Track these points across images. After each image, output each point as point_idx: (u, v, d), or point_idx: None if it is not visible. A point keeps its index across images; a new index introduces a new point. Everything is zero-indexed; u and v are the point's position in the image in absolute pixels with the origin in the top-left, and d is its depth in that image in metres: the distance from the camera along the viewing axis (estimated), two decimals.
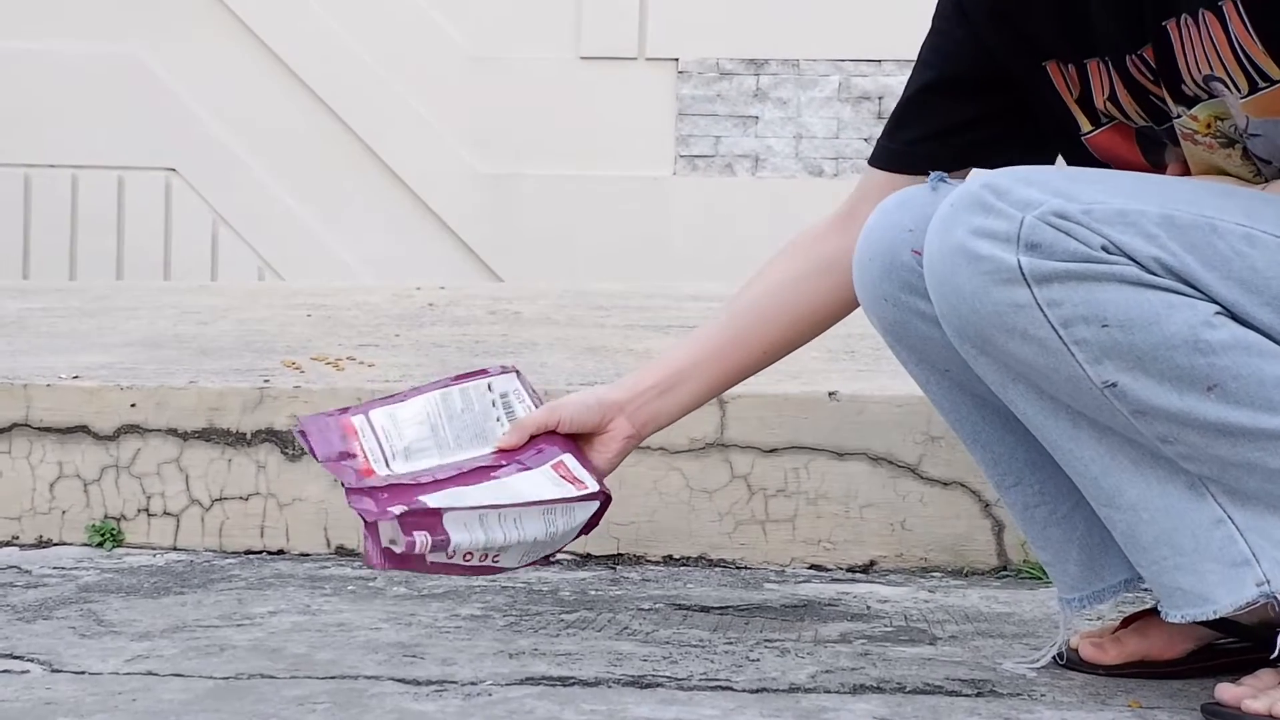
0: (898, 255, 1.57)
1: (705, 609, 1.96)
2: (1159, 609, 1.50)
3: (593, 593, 2.06)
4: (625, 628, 1.84)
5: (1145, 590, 1.63)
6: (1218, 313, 1.37)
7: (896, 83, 6.39)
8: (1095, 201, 1.37)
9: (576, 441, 1.75)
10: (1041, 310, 1.38)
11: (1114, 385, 1.39)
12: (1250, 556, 1.41)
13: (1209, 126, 1.50)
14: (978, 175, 1.42)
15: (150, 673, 1.60)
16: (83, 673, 1.60)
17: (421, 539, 1.58)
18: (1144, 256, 1.36)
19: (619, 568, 2.23)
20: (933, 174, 1.59)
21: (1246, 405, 1.37)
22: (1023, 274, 1.37)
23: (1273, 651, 1.46)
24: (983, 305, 1.40)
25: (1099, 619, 1.89)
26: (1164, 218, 1.37)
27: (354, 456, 1.68)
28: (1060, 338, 1.38)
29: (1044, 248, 1.36)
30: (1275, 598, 1.41)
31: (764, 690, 1.57)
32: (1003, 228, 1.38)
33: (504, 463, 1.70)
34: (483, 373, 1.78)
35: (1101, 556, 1.61)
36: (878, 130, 6.43)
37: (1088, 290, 1.36)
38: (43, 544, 2.32)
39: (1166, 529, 1.44)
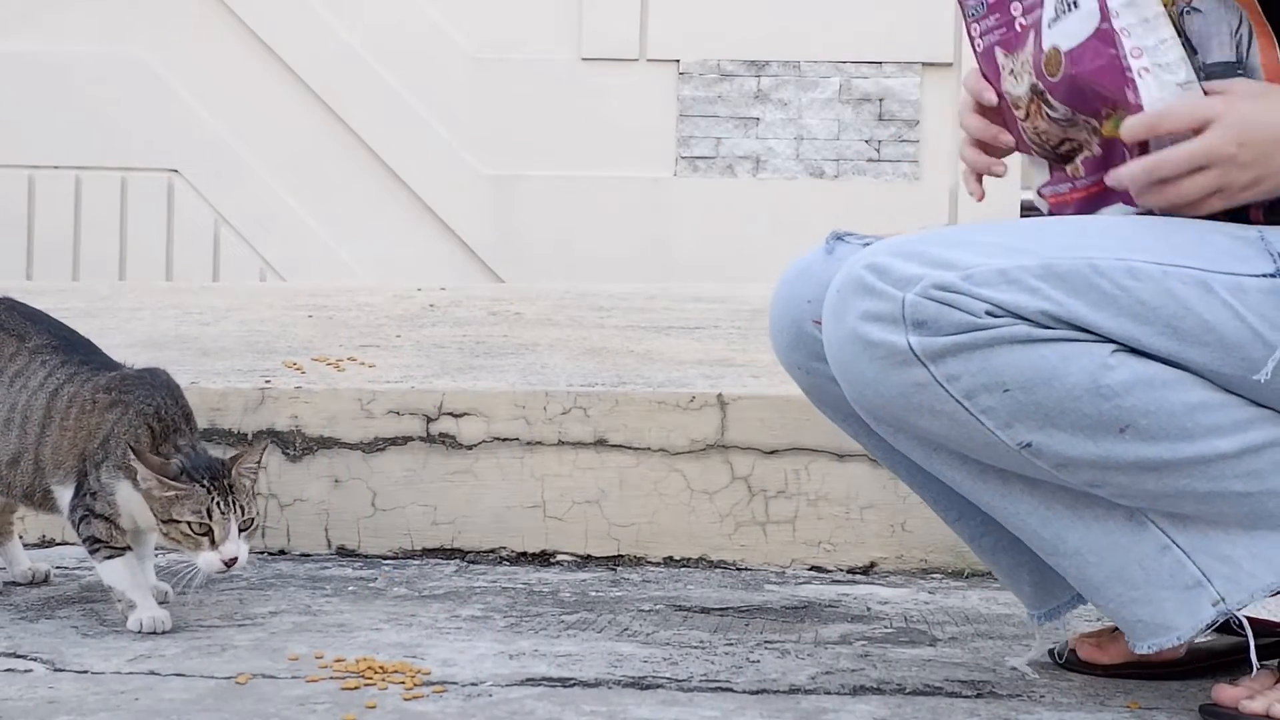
0: (802, 326, 1.58)
1: (705, 610, 1.97)
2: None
3: (593, 594, 2.06)
4: (625, 629, 1.85)
5: None
6: (1115, 351, 1.36)
7: (898, 84, 6.39)
8: (973, 265, 1.36)
9: None
10: (942, 387, 1.38)
11: (1029, 445, 1.38)
12: (1201, 578, 1.42)
13: None
14: (861, 254, 1.42)
15: (152, 672, 1.61)
16: (85, 672, 1.61)
17: None
18: (1030, 312, 1.35)
19: (619, 569, 2.24)
20: (829, 234, 1.60)
21: (1162, 439, 1.37)
22: (915, 354, 1.37)
23: (1254, 657, 1.47)
24: (886, 389, 1.40)
25: (1098, 620, 1.89)
26: (1044, 268, 1.36)
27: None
28: (967, 410, 1.38)
29: (930, 324, 1.36)
30: (1233, 613, 1.42)
31: (764, 691, 1.57)
32: (888, 309, 1.37)
33: None
34: None
35: (1053, 574, 1.61)
36: (878, 132, 6.45)
37: (982, 359, 1.36)
38: (46, 544, 2.32)
39: (1115, 566, 1.44)
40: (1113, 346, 1.36)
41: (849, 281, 1.40)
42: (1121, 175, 1.42)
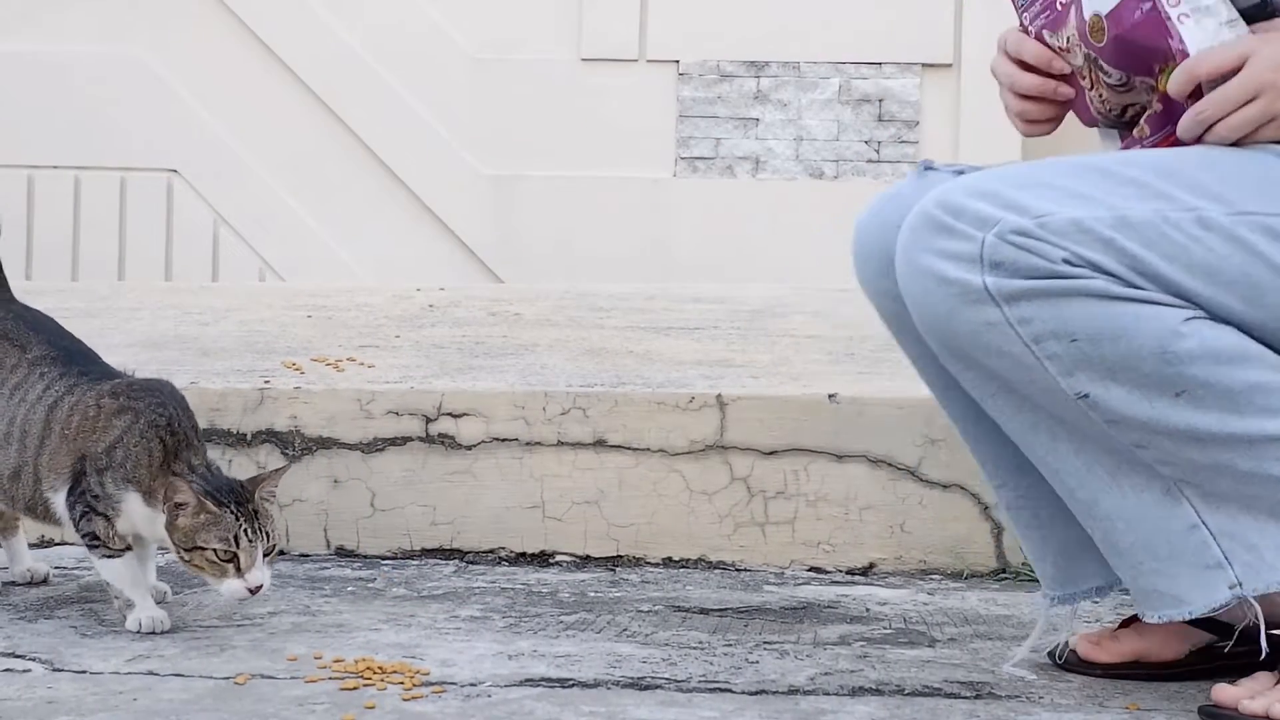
0: (891, 251, 1.58)
1: (704, 611, 1.97)
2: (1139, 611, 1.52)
3: (592, 594, 2.06)
4: (624, 629, 1.85)
5: (1123, 593, 1.65)
6: (1188, 319, 1.38)
7: (897, 85, 6.39)
8: (1047, 213, 1.38)
9: None
10: (1013, 328, 1.41)
11: (1087, 396, 1.41)
12: (1223, 560, 1.44)
13: None
14: (933, 192, 1.43)
15: (151, 672, 1.61)
16: (84, 672, 1.60)
17: None
18: (1107, 264, 1.37)
19: (618, 569, 2.24)
20: (920, 161, 1.61)
21: (1215, 410, 1.39)
22: (990, 294, 1.40)
23: (1260, 652, 1.47)
24: (958, 325, 1.43)
25: (1097, 621, 1.90)
26: (1117, 219, 1.38)
27: None
28: (1033, 353, 1.41)
29: (1007, 266, 1.38)
30: (1247, 599, 1.43)
31: (763, 692, 1.57)
32: (965, 249, 1.40)
33: None
34: None
35: (1078, 561, 1.63)
36: (878, 132, 6.45)
37: (1055, 306, 1.39)
38: (44, 544, 2.32)
39: (1143, 536, 1.47)
40: (1186, 314, 1.38)
41: (922, 218, 1.43)
42: (1179, 128, 1.45)
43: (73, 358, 1.87)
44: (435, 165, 6.52)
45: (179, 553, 1.71)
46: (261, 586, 1.71)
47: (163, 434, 1.75)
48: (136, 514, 1.75)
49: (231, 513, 1.69)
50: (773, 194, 6.43)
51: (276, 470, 1.79)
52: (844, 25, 6.39)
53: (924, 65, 6.38)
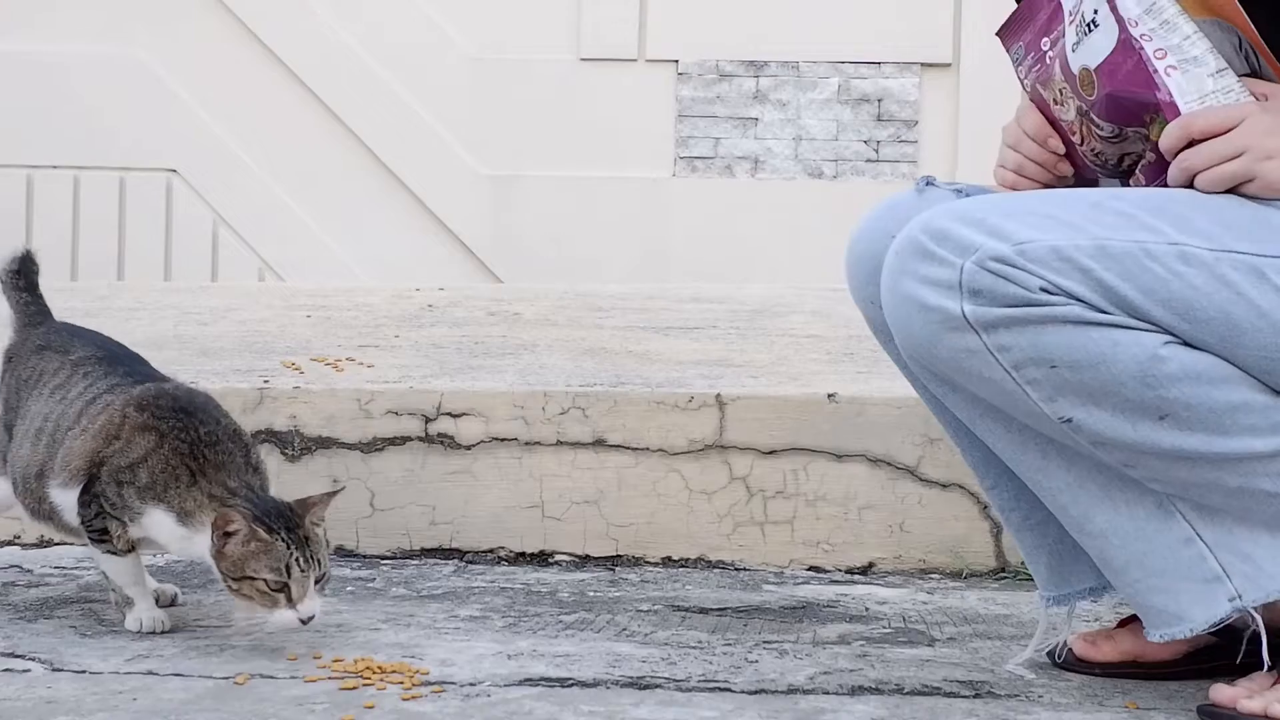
0: (882, 260, 1.59)
1: (704, 610, 1.97)
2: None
3: (591, 594, 2.06)
4: (624, 629, 1.85)
5: (1114, 598, 1.65)
6: (1167, 343, 1.38)
7: (896, 85, 6.39)
8: (1028, 240, 1.38)
9: None
10: (992, 355, 1.41)
11: (1070, 420, 1.41)
12: (1221, 573, 1.44)
13: None
14: (922, 216, 1.44)
15: (150, 672, 1.61)
16: (83, 672, 1.61)
17: None
18: (1083, 294, 1.37)
19: (618, 569, 2.24)
20: (920, 178, 1.61)
21: (1199, 430, 1.39)
22: (968, 322, 1.40)
23: (1262, 664, 1.48)
24: (940, 352, 1.44)
25: (1096, 620, 1.90)
26: (1097, 249, 1.38)
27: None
28: (1014, 379, 1.41)
29: (985, 294, 1.39)
30: (1248, 611, 1.43)
31: (762, 691, 1.57)
32: (945, 276, 1.40)
33: None
34: None
35: (1071, 564, 1.63)
36: (877, 132, 6.45)
37: (1033, 334, 1.39)
38: (44, 544, 2.32)
39: (1138, 552, 1.47)
40: (1166, 338, 1.39)
41: (907, 244, 1.43)
42: (1168, 178, 1.46)
43: (118, 360, 1.83)
44: (434, 165, 6.52)
45: (226, 582, 1.65)
46: (314, 617, 1.64)
47: (187, 460, 1.69)
48: (161, 529, 1.70)
49: (282, 540, 1.63)
50: (772, 194, 6.43)
51: (327, 494, 1.73)
52: (843, 25, 6.39)
53: (923, 65, 6.39)
